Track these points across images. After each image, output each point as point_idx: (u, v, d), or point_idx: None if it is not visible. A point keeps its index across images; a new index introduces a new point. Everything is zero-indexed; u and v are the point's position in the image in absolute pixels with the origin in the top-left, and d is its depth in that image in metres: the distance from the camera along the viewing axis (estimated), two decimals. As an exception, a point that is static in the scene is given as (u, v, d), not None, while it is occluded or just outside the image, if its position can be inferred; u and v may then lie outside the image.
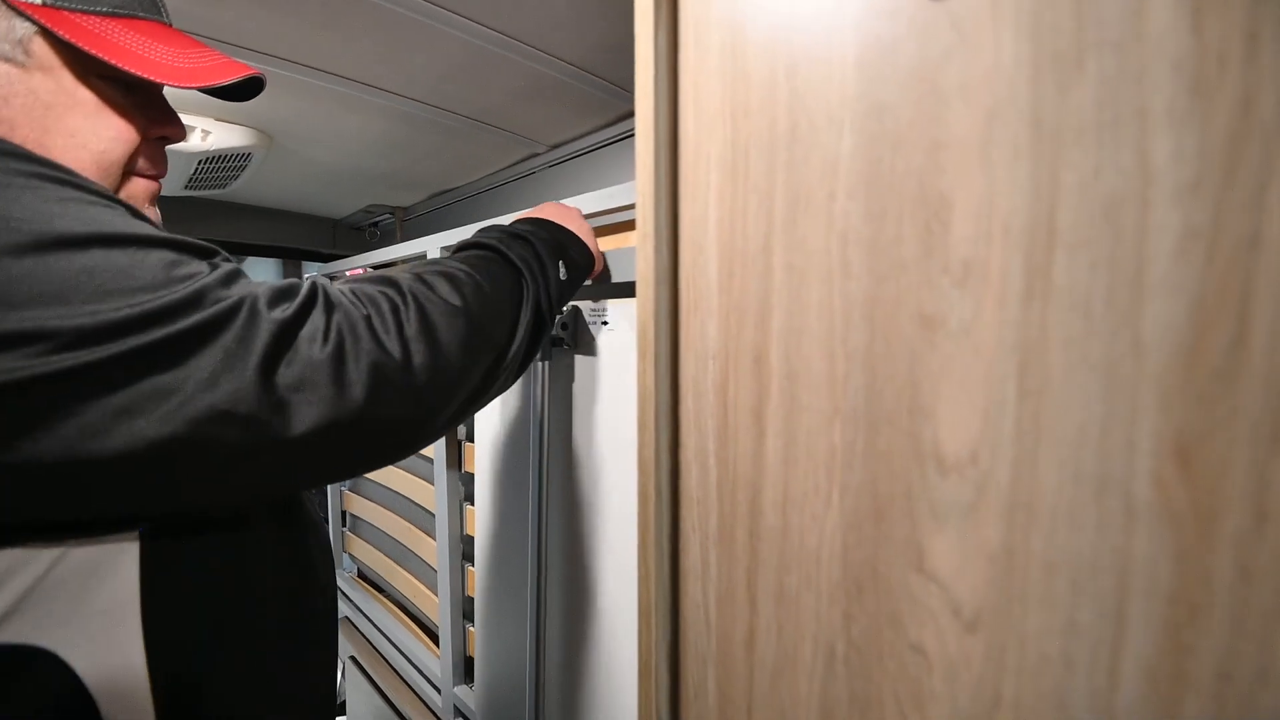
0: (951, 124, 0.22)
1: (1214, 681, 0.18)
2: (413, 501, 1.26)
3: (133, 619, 0.33)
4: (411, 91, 0.88)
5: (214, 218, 1.58)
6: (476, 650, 0.94)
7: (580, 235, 0.57)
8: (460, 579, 1.07)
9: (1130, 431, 0.19)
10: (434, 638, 1.21)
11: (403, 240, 1.23)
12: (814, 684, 0.28)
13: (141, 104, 0.43)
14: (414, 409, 0.37)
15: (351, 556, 1.56)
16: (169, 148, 0.48)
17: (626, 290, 0.67)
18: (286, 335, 0.32)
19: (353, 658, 1.51)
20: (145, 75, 0.38)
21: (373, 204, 1.50)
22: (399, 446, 0.40)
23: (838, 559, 0.26)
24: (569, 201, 0.66)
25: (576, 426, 0.69)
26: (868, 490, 0.25)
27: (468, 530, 1.05)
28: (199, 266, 0.32)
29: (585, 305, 0.68)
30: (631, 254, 0.63)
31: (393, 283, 0.40)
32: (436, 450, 1.06)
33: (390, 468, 1.27)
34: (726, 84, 0.30)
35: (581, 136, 1.04)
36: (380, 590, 1.46)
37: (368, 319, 0.35)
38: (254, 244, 1.71)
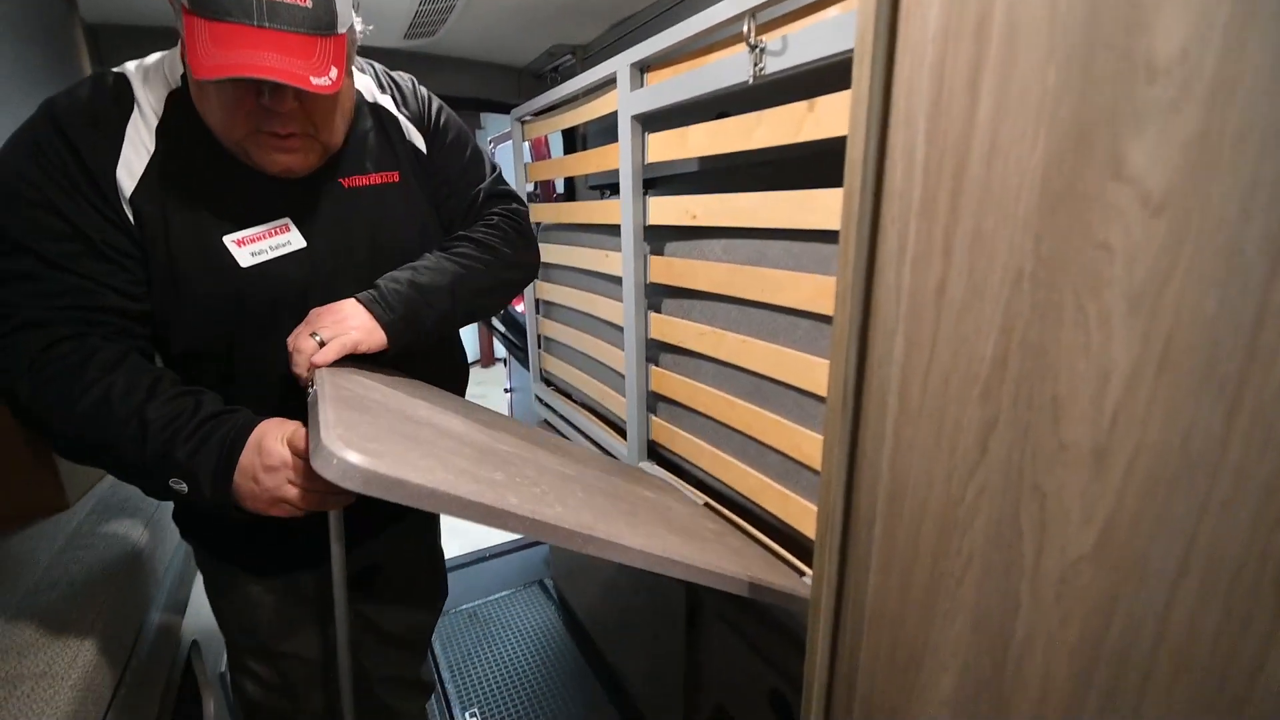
0: None
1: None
2: (599, 318, 1.43)
3: None
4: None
5: (419, 70, 1.76)
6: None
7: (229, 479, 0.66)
8: (645, 376, 1.24)
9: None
10: (617, 429, 1.43)
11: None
12: (999, 306, 0.34)
13: (244, 83, 0.66)
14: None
15: (545, 371, 1.82)
16: None
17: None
18: None
19: (551, 450, 1.81)
20: (192, 72, 0.63)
21: (555, 44, 1.58)
22: None
23: (1036, 190, 0.32)
24: None
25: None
26: (1074, 121, 0.30)
27: (651, 335, 1.20)
28: None
29: None
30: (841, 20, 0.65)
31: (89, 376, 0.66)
32: (625, 267, 1.19)
33: (580, 290, 1.46)
34: None
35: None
36: (570, 397, 1.71)
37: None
38: (451, 95, 1.90)
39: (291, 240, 0.78)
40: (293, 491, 0.63)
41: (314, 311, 0.78)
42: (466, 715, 1.48)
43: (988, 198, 0.34)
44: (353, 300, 0.79)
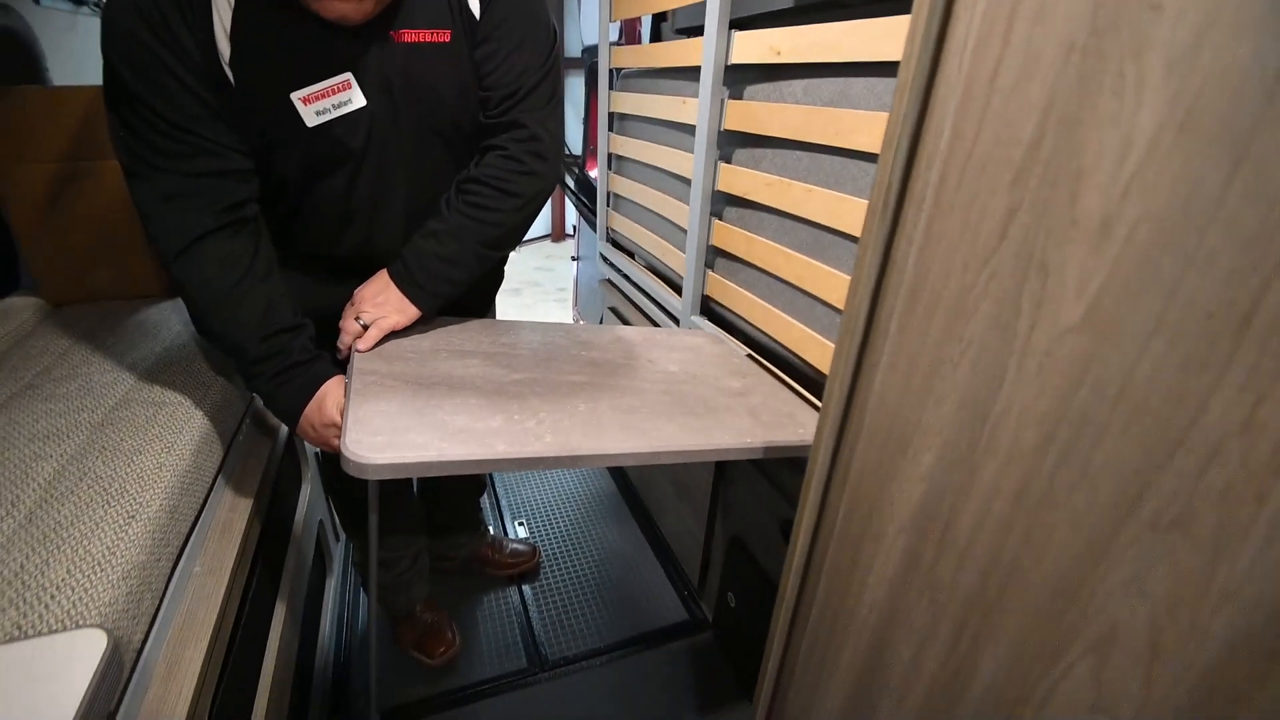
0: None
1: None
2: (668, 171, 1.42)
3: None
4: None
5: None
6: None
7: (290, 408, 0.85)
8: (707, 230, 1.26)
9: None
10: (674, 287, 1.47)
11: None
12: (1046, 84, 0.35)
13: None
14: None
15: (611, 230, 1.86)
16: None
17: None
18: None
19: (611, 309, 1.88)
20: None
21: None
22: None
23: (1105, -50, 0.31)
24: None
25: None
26: None
27: (718, 186, 1.20)
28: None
29: None
30: None
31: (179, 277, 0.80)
32: (700, 112, 1.17)
33: (651, 144, 1.45)
34: None
35: None
36: (632, 256, 1.75)
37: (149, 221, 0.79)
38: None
39: (353, 98, 0.79)
40: (336, 443, 0.79)
41: (357, 294, 0.92)
42: (516, 524, 1.69)
43: (1057, -34, 0.33)
44: (387, 278, 0.91)
